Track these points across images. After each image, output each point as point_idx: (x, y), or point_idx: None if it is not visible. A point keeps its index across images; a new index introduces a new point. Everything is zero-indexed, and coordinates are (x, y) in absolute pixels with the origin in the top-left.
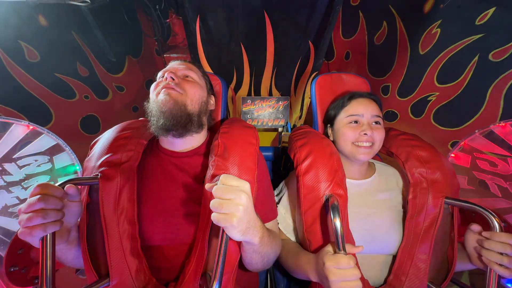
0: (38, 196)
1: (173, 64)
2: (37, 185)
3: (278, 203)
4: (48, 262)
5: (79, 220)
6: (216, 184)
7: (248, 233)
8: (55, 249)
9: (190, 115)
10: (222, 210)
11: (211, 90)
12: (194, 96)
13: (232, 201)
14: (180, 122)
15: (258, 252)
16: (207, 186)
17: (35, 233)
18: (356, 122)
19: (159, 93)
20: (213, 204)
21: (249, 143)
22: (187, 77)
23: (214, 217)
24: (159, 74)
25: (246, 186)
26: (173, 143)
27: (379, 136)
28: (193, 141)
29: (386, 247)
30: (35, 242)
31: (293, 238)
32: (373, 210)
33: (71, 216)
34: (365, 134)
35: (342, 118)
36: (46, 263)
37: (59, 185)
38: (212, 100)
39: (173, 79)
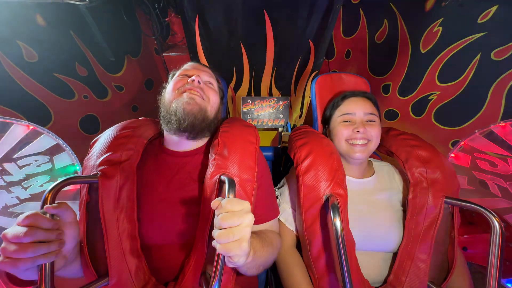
0: (25, 229)
1: (196, 66)
2: (25, 216)
3: (278, 195)
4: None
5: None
6: (221, 213)
7: (248, 254)
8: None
9: (208, 121)
10: (234, 237)
11: (222, 98)
12: (214, 104)
13: (241, 226)
14: (200, 126)
15: (253, 266)
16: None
17: (20, 266)
18: (348, 121)
19: (182, 93)
20: (222, 234)
21: (249, 142)
22: (210, 83)
23: (221, 249)
24: (179, 72)
25: (248, 205)
26: (180, 144)
27: (373, 132)
28: (198, 142)
29: (385, 245)
30: (19, 274)
31: (293, 228)
32: (372, 208)
33: (67, 242)
34: (357, 131)
35: (336, 117)
36: (45, 264)
37: (58, 183)
38: (222, 106)
39: (199, 83)
